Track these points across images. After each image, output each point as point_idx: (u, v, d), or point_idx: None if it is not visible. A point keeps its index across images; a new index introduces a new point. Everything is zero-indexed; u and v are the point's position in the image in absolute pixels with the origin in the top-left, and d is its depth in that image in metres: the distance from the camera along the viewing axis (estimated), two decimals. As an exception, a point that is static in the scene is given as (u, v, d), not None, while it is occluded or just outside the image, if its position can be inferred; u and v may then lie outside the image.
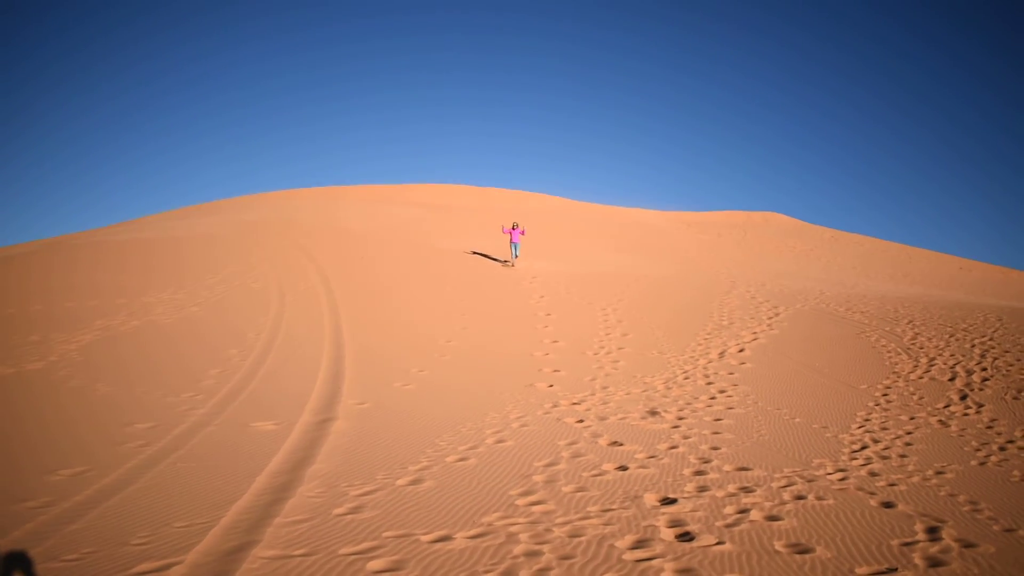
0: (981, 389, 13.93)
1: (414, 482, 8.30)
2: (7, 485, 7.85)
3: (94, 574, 5.65)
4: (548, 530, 6.80)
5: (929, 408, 13.00)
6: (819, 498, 8.07)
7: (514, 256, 27.45)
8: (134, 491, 7.78)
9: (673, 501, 7.86)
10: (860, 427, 11.81)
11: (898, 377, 15.01)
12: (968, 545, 6.74)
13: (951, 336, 17.98)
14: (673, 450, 10.10)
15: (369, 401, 12.29)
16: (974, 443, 11.08)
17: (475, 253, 30.51)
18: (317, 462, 8.95)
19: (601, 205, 65.11)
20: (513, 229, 27.19)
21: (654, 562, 6.06)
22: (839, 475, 9.11)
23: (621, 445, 10.29)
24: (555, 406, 12.58)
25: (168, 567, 5.76)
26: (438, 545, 6.37)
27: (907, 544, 6.73)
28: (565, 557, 6.13)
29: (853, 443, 10.87)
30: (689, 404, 12.97)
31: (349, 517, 7.06)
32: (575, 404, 12.77)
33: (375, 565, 5.89)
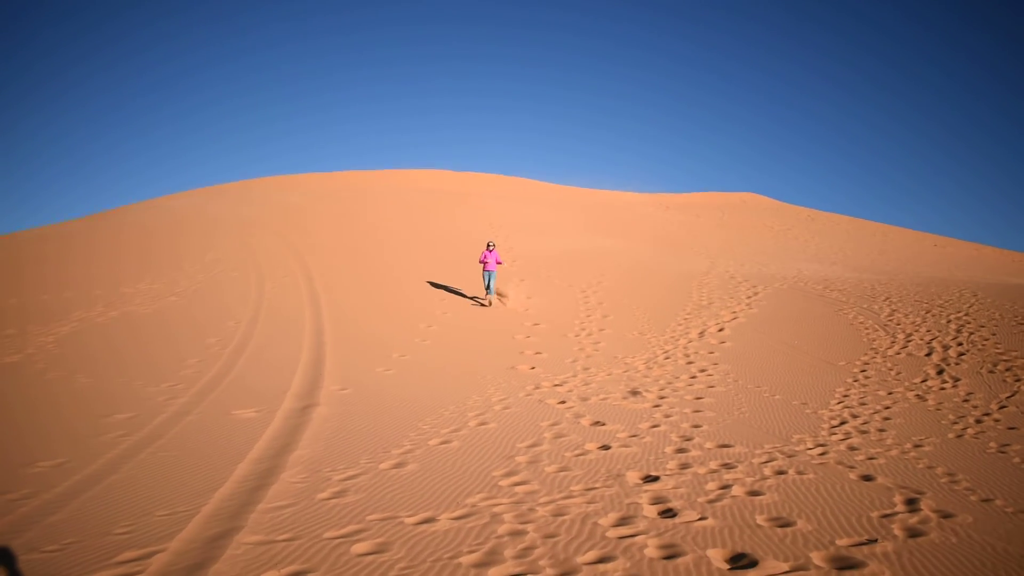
0: (957, 364, 14.08)
1: (397, 465, 8.29)
2: (-14, 478, 7.78)
3: (76, 564, 5.61)
4: (532, 510, 6.82)
5: (907, 383, 13.13)
6: (799, 473, 8.14)
7: (489, 291, 20.54)
8: (115, 481, 7.73)
9: (655, 479, 7.91)
10: (839, 403, 11.92)
11: (876, 353, 15.14)
12: (946, 515, 6.82)
13: (927, 312, 18.15)
14: (655, 429, 10.15)
15: (351, 387, 12.27)
16: (951, 416, 11.21)
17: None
18: (300, 448, 8.93)
19: (580, 188, 65.09)
20: (488, 251, 20.71)
21: (637, 538, 6.10)
22: (819, 450, 9.19)
23: (603, 425, 10.33)
24: (537, 388, 12.61)
25: (151, 555, 5.73)
26: (423, 527, 6.38)
27: (887, 516, 6.80)
28: (549, 535, 6.16)
29: (832, 418, 10.96)
30: (670, 383, 13.03)
31: (333, 501, 7.05)
32: (557, 386, 12.80)
33: (360, 548, 5.89)
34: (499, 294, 21.46)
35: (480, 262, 21.01)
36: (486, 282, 20.54)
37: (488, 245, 20.83)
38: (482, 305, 20.63)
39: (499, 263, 20.75)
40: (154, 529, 6.33)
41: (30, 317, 16.90)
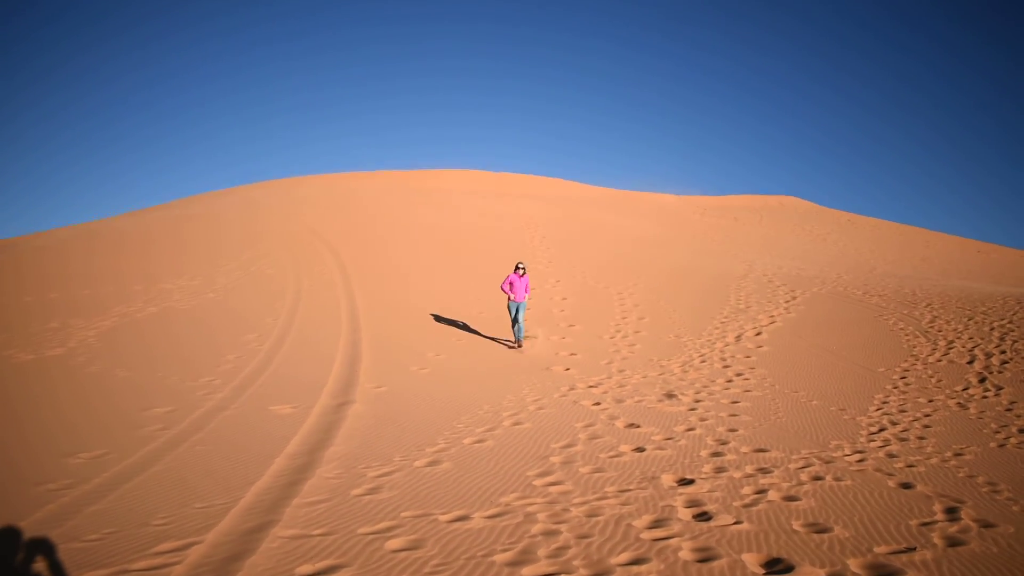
0: (1000, 372, 13.83)
1: (432, 463, 8.32)
2: (27, 468, 7.93)
3: (116, 553, 5.70)
4: (566, 510, 6.81)
5: (948, 391, 12.92)
6: (837, 479, 8.04)
7: (519, 334, 16.37)
8: (153, 473, 7.84)
9: (690, 482, 7.86)
10: (878, 409, 11.76)
11: (916, 360, 14.92)
12: (987, 525, 6.70)
13: (970, 319, 17.84)
14: (690, 432, 10.09)
15: (386, 385, 12.33)
16: (993, 425, 11.01)
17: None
18: (335, 444, 8.99)
19: (617, 190, 64.93)
20: (519, 275, 16.52)
21: (672, 541, 6.06)
22: (857, 456, 9.08)
23: (638, 427, 10.28)
24: (572, 389, 12.59)
25: (189, 546, 5.80)
26: (456, 524, 6.39)
27: (926, 524, 6.70)
28: (583, 536, 6.14)
29: (871, 425, 10.82)
30: (706, 387, 12.94)
31: (367, 498, 7.09)
32: (592, 387, 12.77)
33: (394, 544, 5.92)
34: (527, 336, 17.36)
35: (504, 290, 16.63)
36: (513, 315, 16.42)
37: (517, 268, 16.60)
38: (509, 347, 16.51)
39: (527, 292, 16.60)
40: (192, 521, 6.40)
41: (72, 311, 17.19)
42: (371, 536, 6.08)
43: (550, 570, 5.46)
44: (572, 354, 15.43)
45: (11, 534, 6.03)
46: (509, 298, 16.43)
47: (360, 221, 34.98)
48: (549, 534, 6.18)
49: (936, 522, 6.75)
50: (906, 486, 7.88)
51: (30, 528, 6.18)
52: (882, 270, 29.83)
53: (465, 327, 17.66)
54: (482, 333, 17.69)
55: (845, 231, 47.74)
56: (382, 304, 19.59)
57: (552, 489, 7.48)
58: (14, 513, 6.53)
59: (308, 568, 5.43)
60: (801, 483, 7.86)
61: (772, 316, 19.07)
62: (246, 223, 33.62)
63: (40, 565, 5.47)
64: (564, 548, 5.87)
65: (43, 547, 5.79)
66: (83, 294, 19.17)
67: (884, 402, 12.20)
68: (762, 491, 7.54)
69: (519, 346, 16.34)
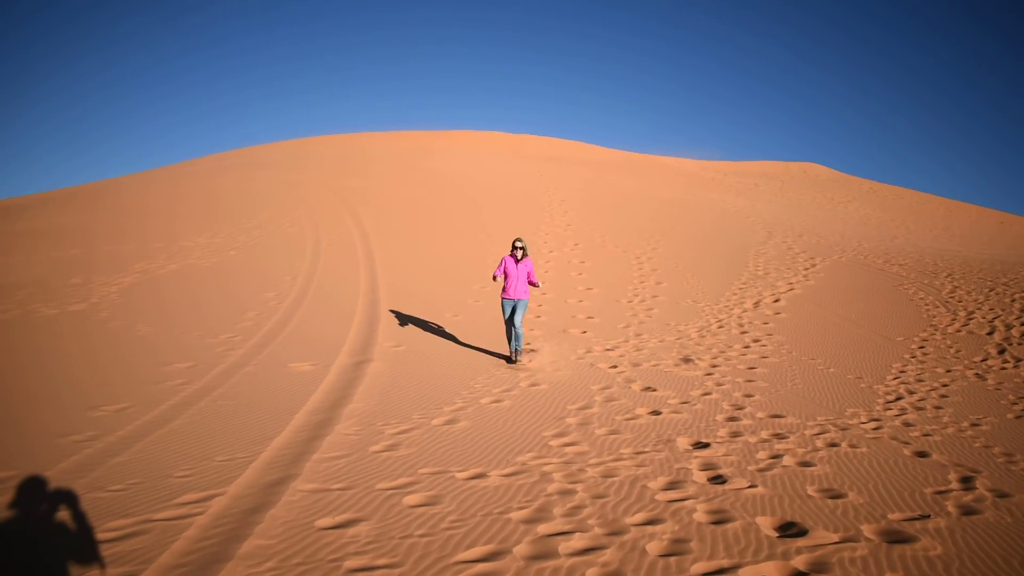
0: (1020, 343, 13.76)
1: (449, 422, 8.40)
2: (52, 420, 8.06)
3: (139, 503, 5.81)
4: (581, 470, 6.88)
5: (966, 361, 12.88)
6: (852, 446, 8.06)
7: (515, 346, 11.72)
8: (176, 427, 7.96)
9: (706, 445, 7.90)
10: (895, 378, 11.74)
11: (935, 330, 14.85)
12: (1002, 495, 6.72)
13: (991, 290, 17.71)
14: (706, 396, 10.12)
15: (404, 344, 12.40)
16: (1011, 397, 10.98)
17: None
18: (354, 401, 9.08)
19: (638, 154, 64.48)
20: (515, 260, 11.81)
21: (686, 503, 6.12)
22: (873, 424, 9.09)
23: (654, 391, 10.32)
24: (588, 352, 12.62)
25: (211, 498, 5.91)
26: (473, 482, 6.47)
27: (940, 492, 6.72)
28: (598, 496, 6.20)
29: (888, 394, 10.82)
30: (723, 352, 12.95)
31: (386, 454, 7.18)
32: (609, 350, 12.80)
33: (411, 500, 6.00)
34: (527, 347, 12.69)
35: (496, 279, 12.03)
36: (507, 316, 11.77)
37: (515, 248, 11.79)
38: (508, 362, 11.76)
39: (533, 283, 11.84)
40: (213, 473, 6.51)
41: (94, 268, 17.35)
42: (389, 491, 6.17)
43: (566, 528, 5.53)
44: (589, 317, 15.44)
45: (36, 483, 6.15)
46: (503, 292, 11.86)
47: (379, 181, 34.93)
48: (565, 493, 6.25)
49: (951, 491, 6.77)
50: (921, 455, 7.90)
51: (55, 478, 6.30)
52: (903, 239, 29.59)
53: (483, 289, 17.69)
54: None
55: (867, 199, 47.31)
56: (400, 263, 19.65)
57: (568, 450, 7.55)
58: (39, 463, 6.66)
59: (328, 521, 5.52)
60: (816, 449, 7.89)
61: (791, 283, 19.00)
62: (265, 183, 33.66)
63: (64, 514, 5.59)
64: (579, 507, 5.94)
65: (67, 496, 5.91)
66: (104, 250, 19.33)
67: (902, 371, 12.18)
68: (777, 456, 7.57)
69: (515, 361, 11.69)
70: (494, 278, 12.01)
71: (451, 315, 15.05)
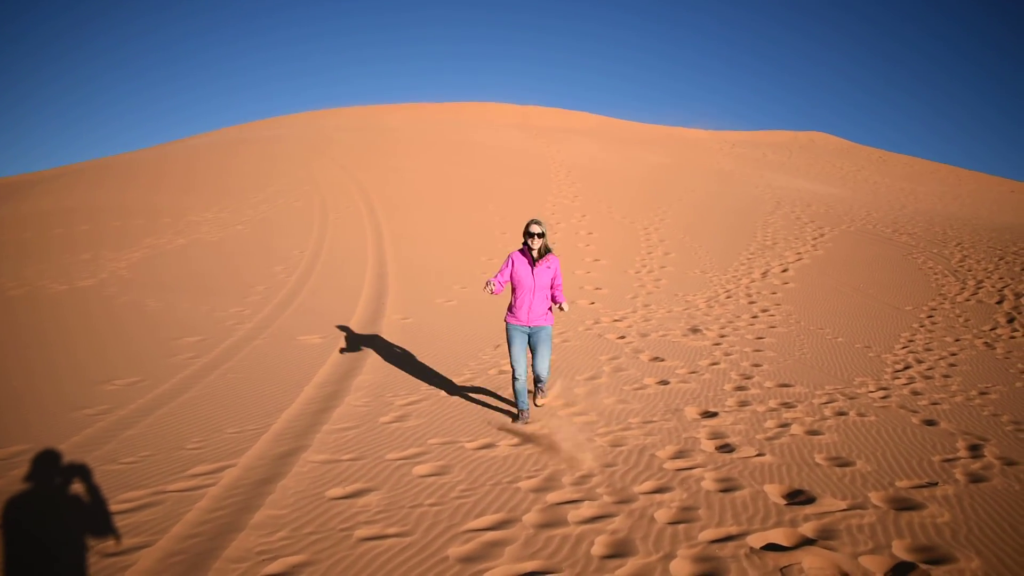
0: (1030, 311, 13.71)
1: (458, 392, 8.44)
2: (65, 393, 8.12)
3: (152, 475, 5.86)
4: (590, 439, 6.91)
5: (975, 330, 12.85)
6: (860, 415, 8.07)
7: (524, 397, 7.27)
8: (186, 400, 8.01)
9: (714, 415, 7.92)
10: (904, 348, 11.73)
11: (944, 299, 14.81)
12: (1010, 463, 6.72)
13: (1000, 259, 17.63)
14: (714, 366, 10.14)
15: (412, 316, 12.44)
16: (1020, 365, 10.97)
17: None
18: (363, 373, 9.13)
19: (646, 124, 64.08)
20: (529, 261, 7.06)
21: (694, 471, 6.14)
22: (881, 393, 9.09)
23: (662, 361, 10.34)
24: (596, 322, 12.64)
25: (222, 469, 5.96)
26: (482, 452, 6.51)
27: (948, 460, 6.73)
28: (607, 465, 6.23)
29: (896, 363, 10.81)
30: (731, 322, 12.95)
31: (395, 425, 7.23)
32: (617, 321, 12.82)
33: (421, 469, 6.04)
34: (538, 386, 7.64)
35: (501, 284, 7.05)
36: (514, 355, 7.25)
37: (530, 234, 7.03)
38: (514, 420, 7.49)
39: (556, 301, 7.19)
40: (225, 445, 6.57)
41: (103, 243, 17.39)
42: (399, 461, 6.21)
43: (575, 496, 5.57)
44: (597, 288, 15.45)
45: (50, 456, 6.21)
46: (512, 312, 7.24)
47: (387, 154, 34.81)
48: (573, 462, 6.28)
49: (959, 459, 6.78)
50: (930, 423, 7.90)
51: (68, 451, 6.36)
52: (912, 208, 29.41)
53: (490, 260, 17.68)
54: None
55: (877, 168, 47.00)
56: (408, 237, 19.64)
57: (577, 420, 7.58)
58: (53, 436, 6.72)
59: (338, 491, 5.56)
60: (824, 418, 7.90)
61: (799, 253, 18.94)
62: (274, 157, 33.58)
63: (79, 486, 5.65)
64: (588, 476, 5.97)
65: (81, 469, 5.96)
66: (113, 225, 19.36)
67: (910, 340, 12.17)
68: (785, 425, 7.59)
69: (523, 417, 7.38)
70: (486, 285, 6.97)
71: (459, 288, 15.07)
